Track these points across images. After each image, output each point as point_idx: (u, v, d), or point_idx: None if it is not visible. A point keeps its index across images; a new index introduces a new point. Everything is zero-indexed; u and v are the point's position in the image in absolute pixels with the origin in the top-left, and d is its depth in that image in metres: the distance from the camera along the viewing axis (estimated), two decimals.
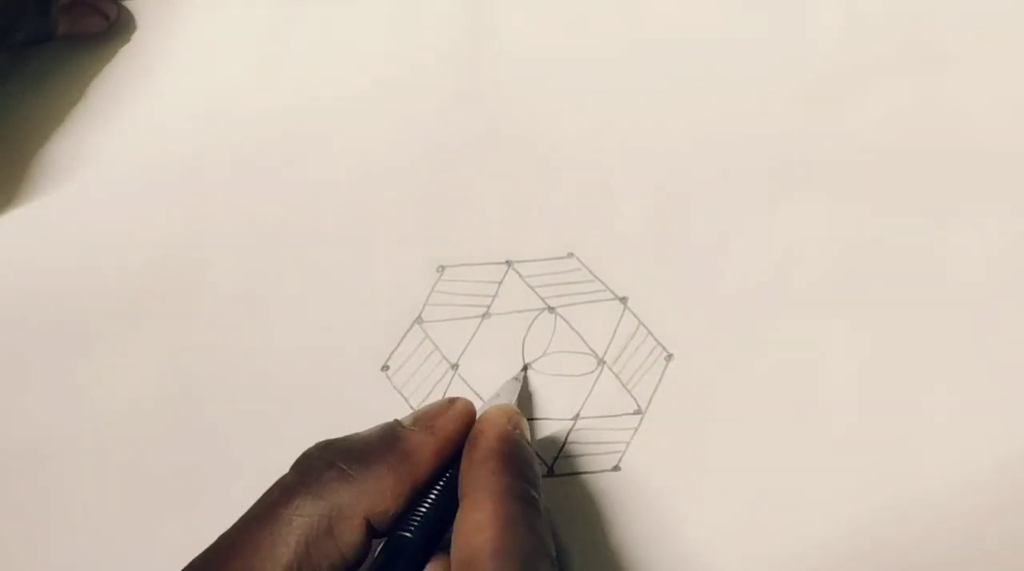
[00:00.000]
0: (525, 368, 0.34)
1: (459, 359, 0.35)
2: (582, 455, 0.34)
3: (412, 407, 0.35)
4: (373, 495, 0.28)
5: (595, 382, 0.34)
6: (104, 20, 0.39)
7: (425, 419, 0.30)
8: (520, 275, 0.36)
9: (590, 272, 0.36)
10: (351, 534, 0.27)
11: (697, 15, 0.38)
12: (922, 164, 0.35)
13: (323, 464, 0.28)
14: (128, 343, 0.36)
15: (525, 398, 0.34)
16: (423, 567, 0.28)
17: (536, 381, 0.35)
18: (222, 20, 0.41)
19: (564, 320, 0.35)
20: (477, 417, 0.30)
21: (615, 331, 0.35)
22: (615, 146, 0.37)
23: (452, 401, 0.30)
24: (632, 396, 0.34)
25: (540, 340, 0.35)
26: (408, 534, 0.28)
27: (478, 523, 0.26)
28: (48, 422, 0.36)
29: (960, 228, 0.35)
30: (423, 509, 0.28)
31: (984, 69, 0.36)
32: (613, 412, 0.34)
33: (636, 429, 0.34)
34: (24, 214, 0.38)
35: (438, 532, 0.28)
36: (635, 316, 0.35)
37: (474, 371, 0.35)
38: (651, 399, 0.34)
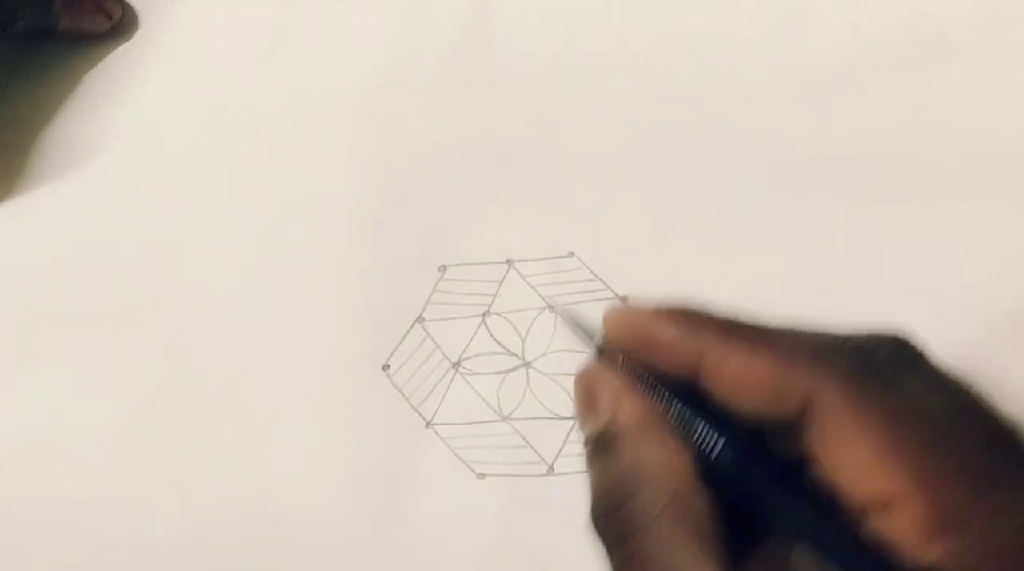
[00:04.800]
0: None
1: (460, 358, 0.35)
2: (583, 454, 0.34)
3: (413, 407, 0.35)
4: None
5: None
6: (107, 20, 0.39)
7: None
8: (521, 274, 0.36)
9: (591, 271, 0.36)
10: None
11: (699, 14, 0.38)
12: (921, 164, 0.35)
13: None
14: (125, 342, 0.36)
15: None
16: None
17: (536, 381, 0.35)
18: (223, 17, 0.41)
19: (564, 319, 0.35)
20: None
21: None
22: (616, 145, 0.37)
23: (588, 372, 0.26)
24: None
25: (541, 339, 0.35)
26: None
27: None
28: (43, 419, 0.36)
29: (960, 227, 0.34)
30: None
31: (985, 68, 0.36)
32: None
33: None
34: (22, 207, 0.39)
35: None
36: None
37: (475, 370, 0.35)
38: None
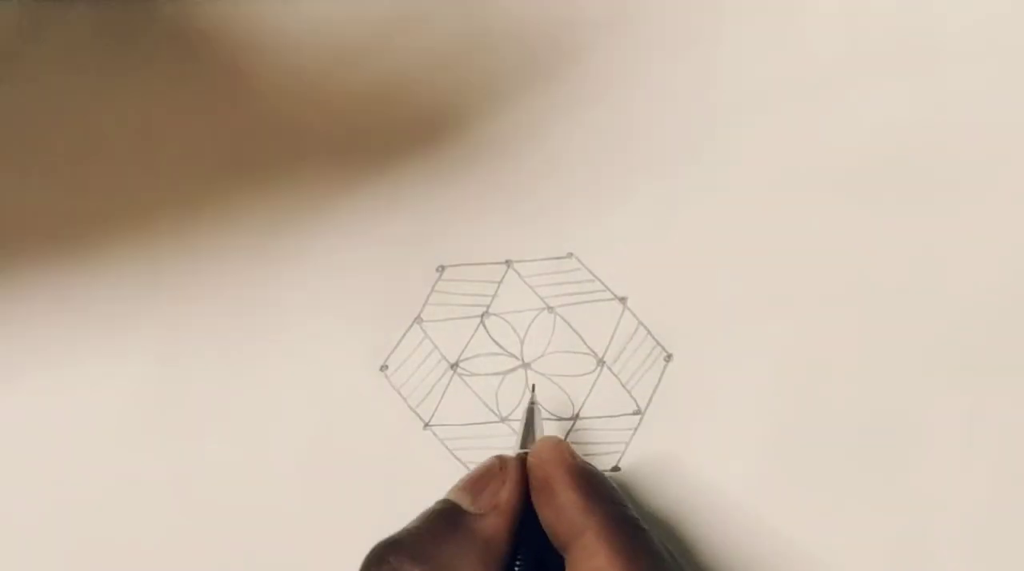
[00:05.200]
0: (533, 389, 0.34)
1: (458, 359, 0.35)
2: (582, 455, 0.34)
3: (411, 407, 0.35)
4: None
5: (595, 382, 0.34)
6: None
7: (486, 497, 0.28)
8: (520, 275, 0.36)
9: (590, 272, 0.35)
10: None
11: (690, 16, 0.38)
12: (923, 166, 0.35)
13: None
14: (116, 342, 0.36)
15: (623, 325, 0.34)
16: None
17: (536, 381, 0.35)
18: None
19: (564, 320, 0.35)
20: (526, 460, 0.29)
21: (615, 331, 0.35)
22: (616, 146, 0.37)
23: (502, 463, 0.29)
24: (632, 396, 0.34)
25: (539, 340, 0.35)
26: None
27: (599, 569, 0.25)
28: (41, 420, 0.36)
29: (961, 229, 0.34)
30: None
31: (983, 69, 0.36)
32: (612, 412, 0.34)
33: (635, 429, 0.34)
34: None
35: None
36: (635, 316, 0.35)
37: (473, 371, 0.35)
38: (650, 399, 0.34)
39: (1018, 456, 0.32)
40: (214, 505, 0.34)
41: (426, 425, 0.34)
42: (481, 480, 0.29)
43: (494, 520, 0.27)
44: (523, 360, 0.35)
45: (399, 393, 0.35)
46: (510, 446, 0.34)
